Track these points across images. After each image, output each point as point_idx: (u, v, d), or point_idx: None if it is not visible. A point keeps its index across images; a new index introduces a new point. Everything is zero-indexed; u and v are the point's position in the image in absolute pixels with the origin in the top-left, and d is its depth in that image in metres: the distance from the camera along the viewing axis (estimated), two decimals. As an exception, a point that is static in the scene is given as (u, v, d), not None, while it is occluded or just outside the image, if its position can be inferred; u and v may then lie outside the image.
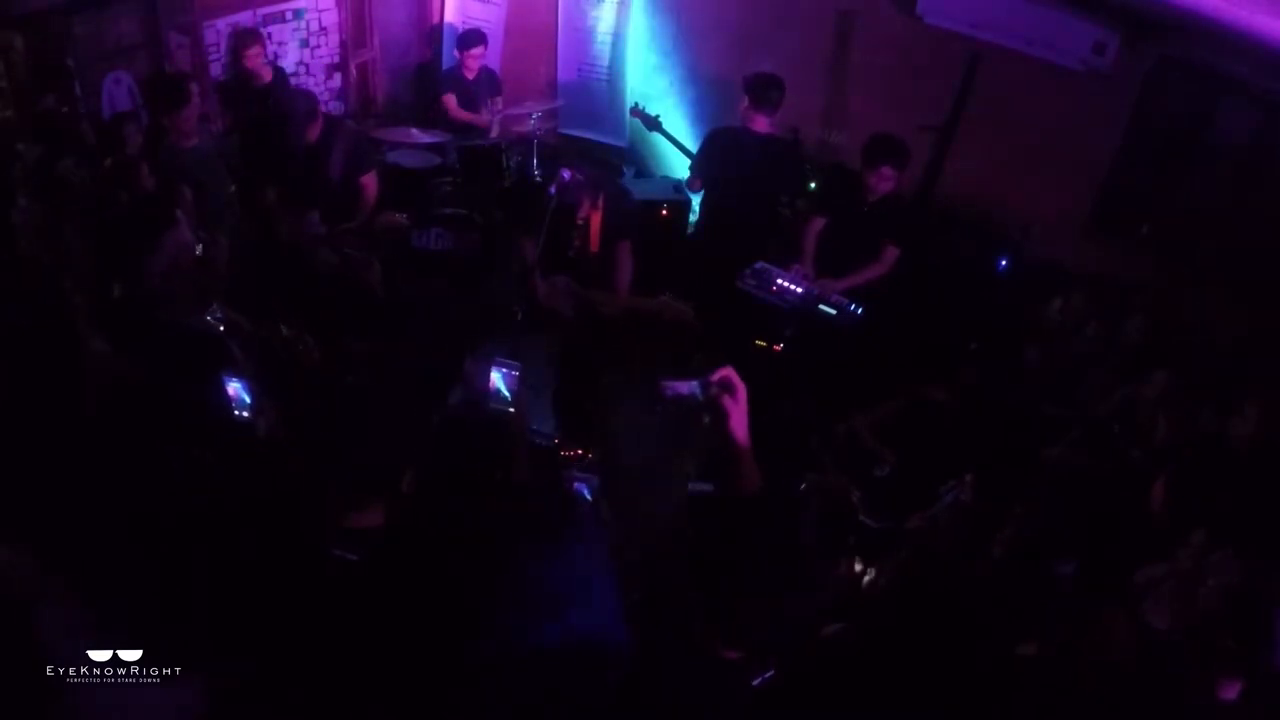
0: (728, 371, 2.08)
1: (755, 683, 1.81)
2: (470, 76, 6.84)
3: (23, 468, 2.46)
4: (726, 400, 2.06)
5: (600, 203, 4.67)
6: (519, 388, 2.80)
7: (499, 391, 2.79)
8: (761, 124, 5.26)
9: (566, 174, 4.45)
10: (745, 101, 5.25)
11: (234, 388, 2.78)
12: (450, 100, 6.83)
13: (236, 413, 2.79)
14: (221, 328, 3.27)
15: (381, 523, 2.27)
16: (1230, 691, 2.56)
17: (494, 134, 6.88)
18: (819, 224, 5.10)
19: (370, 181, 5.23)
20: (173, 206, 3.32)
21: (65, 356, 2.85)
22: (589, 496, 2.89)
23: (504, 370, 2.80)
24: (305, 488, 2.47)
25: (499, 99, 6.98)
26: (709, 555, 1.88)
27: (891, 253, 4.97)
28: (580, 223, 4.65)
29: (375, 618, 2.09)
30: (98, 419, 2.69)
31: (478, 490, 2.49)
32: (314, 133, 4.97)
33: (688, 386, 2.11)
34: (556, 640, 1.77)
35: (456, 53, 6.89)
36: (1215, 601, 2.82)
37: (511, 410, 2.67)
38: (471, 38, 6.83)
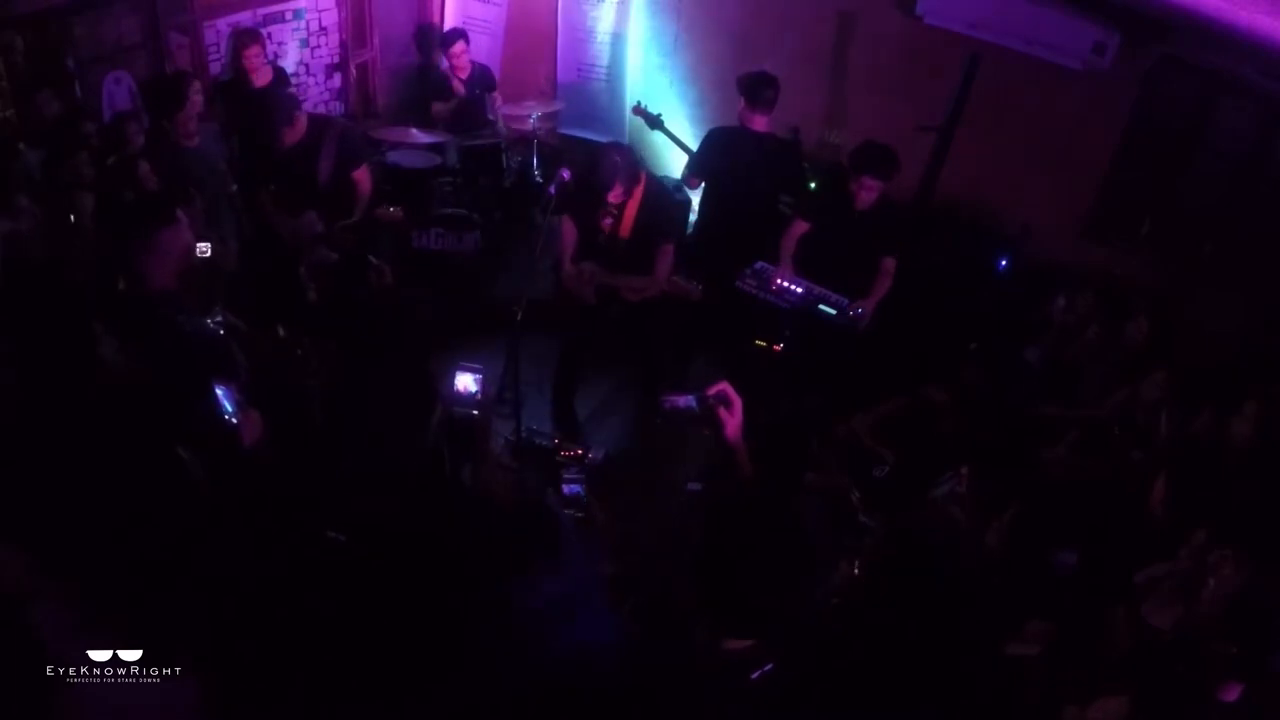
0: (724, 386, 2.24)
1: (754, 675, 1.83)
2: (463, 76, 6.82)
3: (24, 467, 2.46)
4: (723, 412, 2.22)
5: (639, 191, 4.50)
6: (482, 391, 2.82)
7: (465, 394, 2.81)
8: (760, 123, 5.25)
9: (566, 173, 4.42)
10: (742, 102, 5.24)
11: (220, 393, 2.79)
12: (437, 107, 6.82)
13: (226, 418, 2.80)
14: (221, 331, 3.28)
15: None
16: (1231, 694, 2.56)
17: (501, 131, 6.88)
18: (801, 227, 5.01)
19: (363, 176, 5.19)
20: (174, 205, 3.32)
21: (67, 356, 2.85)
22: (583, 497, 2.91)
23: (469, 374, 2.82)
24: (295, 485, 2.48)
25: (495, 95, 6.98)
26: (712, 545, 1.93)
27: (889, 263, 4.92)
28: (615, 205, 4.48)
29: (361, 619, 2.10)
30: (100, 418, 2.69)
31: (447, 491, 2.52)
32: (297, 134, 4.94)
33: (685, 400, 2.26)
34: (548, 652, 1.80)
35: (443, 55, 6.89)
36: (1216, 603, 2.82)
37: (476, 414, 2.70)
38: (450, 36, 6.83)
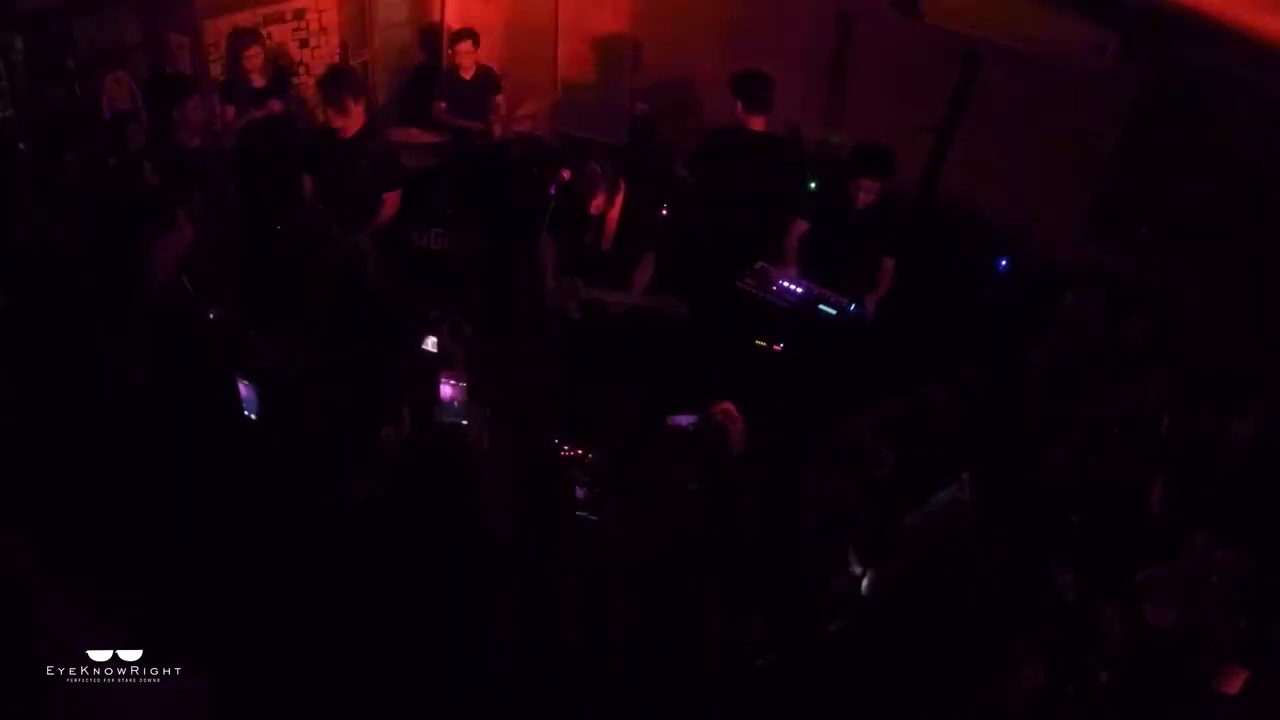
0: (727, 405, 2.52)
1: (759, 662, 1.87)
2: (467, 76, 6.83)
3: (31, 463, 2.47)
4: (727, 428, 2.49)
5: (619, 200, 4.54)
6: (466, 399, 2.80)
7: (450, 404, 2.79)
8: (757, 123, 5.26)
9: (567, 174, 4.42)
10: (739, 104, 5.24)
11: (243, 389, 2.81)
12: (439, 107, 6.82)
13: (246, 414, 2.81)
14: (233, 326, 3.30)
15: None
16: (1233, 684, 2.56)
17: (497, 133, 6.87)
18: (801, 228, 5.03)
19: (393, 199, 5.09)
20: (174, 207, 3.33)
21: (75, 352, 2.86)
22: (594, 499, 2.91)
23: (450, 383, 2.80)
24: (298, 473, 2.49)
25: (499, 99, 6.98)
26: (715, 536, 2.01)
27: (889, 263, 4.93)
28: (595, 215, 4.52)
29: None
30: (104, 415, 2.70)
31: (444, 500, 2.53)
32: (352, 128, 4.84)
33: (687, 419, 2.53)
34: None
35: (449, 51, 6.90)
36: (1218, 597, 2.82)
37: (465, 423, 2.69)
38: (458, 34, 6.84)
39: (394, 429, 2.90)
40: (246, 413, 2.86)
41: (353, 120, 4.81)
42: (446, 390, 2.85)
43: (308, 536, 2.53)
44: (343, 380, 3.30)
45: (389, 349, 3.84)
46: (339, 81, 4.85)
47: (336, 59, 7.08)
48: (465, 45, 6.74)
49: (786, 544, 1.93)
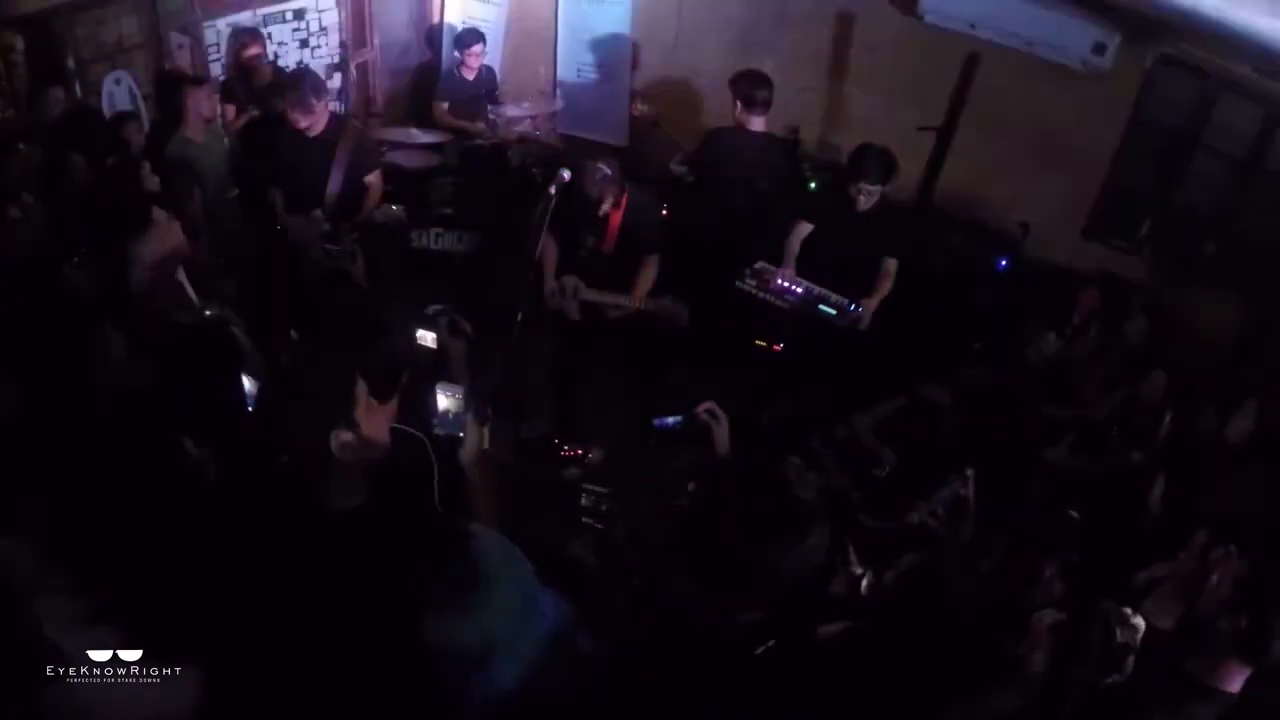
0: (711, 405, 2.49)
1: (758, 651, 1.87)
2: (471, 77, 6.84)
3: (30, 464, 2.47)
4: (713, 425, 2.46)
5: (624, 202, 4.55)
6: (464, 410, 2.69)
7: (446, 415, 2.69)
8: (757, 124, 5.26)
9: (567, 174, 4.42)
10: (738, 104, 5.25)
11: (246, 383, 2.81)
12: (439, 108, 6.82)
13: (247, 407, 2.81)
14: (228, 324, 3.30)
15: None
16: (1233, 684, 2.55)
17: (496, 122, 6.88)
18: (804, 228, 5.03)
19: (375, 181, 5.21)
20: (166, 207, 3.33)
21: (72, 355, 2.86)
22: (601, 506, 2.91)
23: (448, 393, 2.70)
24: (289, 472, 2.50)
25: (498, 94, 6.99)
26: (703, 518, 2.02)
27: (891, 264, 4.92)
28: (600, 217, 4.54)
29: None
30: (106, 416, 2.70)
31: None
32: (318, 125, 4.93)
33: (674, 419, 2.53)
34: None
35: (456, 53, 6.90)
36: (1218, 597, 2.82)
37: (462, 435, 2.59)
38: (468, 36, 6.83)
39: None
40: (237, 411, 2.85)
41: (318, 117, 4.90)
42: (442, 401, 2.74)
43: (305, 535, 2.52)
44: (329, 381, 3.29)
45: (379, 347, 3.84)
46: (300, 82, 4.99)
47: (336, 59, 7.09)
48: (477, 48, 6.73)
49: (777, 544, 1.91)
